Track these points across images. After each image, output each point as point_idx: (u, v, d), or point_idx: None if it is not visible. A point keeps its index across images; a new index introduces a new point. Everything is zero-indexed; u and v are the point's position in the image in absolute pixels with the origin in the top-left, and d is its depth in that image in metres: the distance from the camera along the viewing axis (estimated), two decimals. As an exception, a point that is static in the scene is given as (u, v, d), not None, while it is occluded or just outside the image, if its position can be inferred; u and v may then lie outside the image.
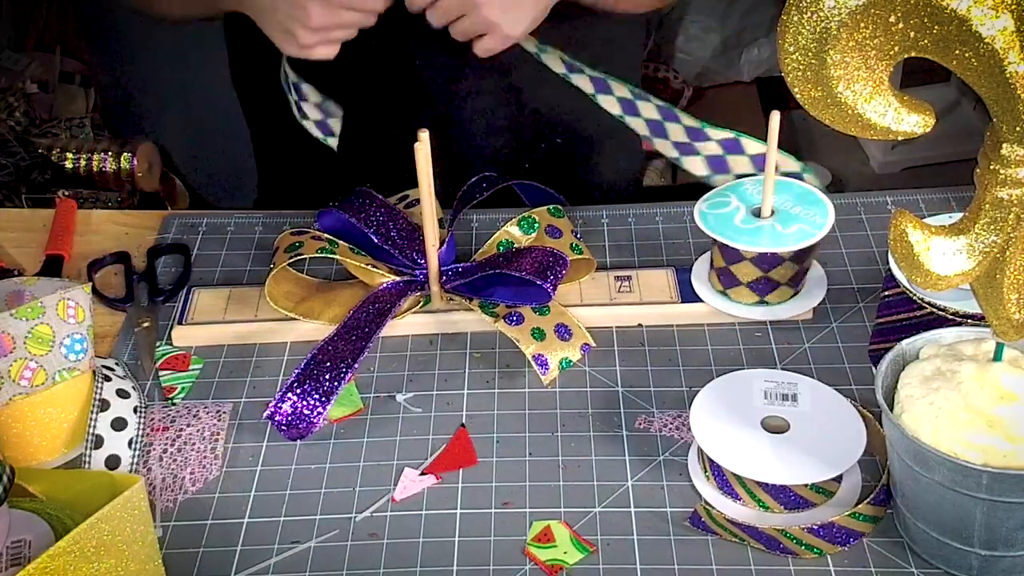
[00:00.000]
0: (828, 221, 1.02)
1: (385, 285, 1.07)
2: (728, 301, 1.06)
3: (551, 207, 1.12)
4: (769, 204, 1.03)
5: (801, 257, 1.02)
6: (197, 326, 1.08)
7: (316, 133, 1.25)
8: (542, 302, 1.02)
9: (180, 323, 1.08)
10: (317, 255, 1.06)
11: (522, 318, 1.01)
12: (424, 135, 0.99)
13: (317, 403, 0.96)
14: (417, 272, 1.08)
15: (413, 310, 1.07)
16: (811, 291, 1.07)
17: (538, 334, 1.00)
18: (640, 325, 1.07)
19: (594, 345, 1.02)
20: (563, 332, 1.01)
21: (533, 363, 0.98)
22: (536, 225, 1.10)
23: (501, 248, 1.09)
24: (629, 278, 1.10)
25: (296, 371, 0.98)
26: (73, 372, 0.92)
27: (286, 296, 1.08)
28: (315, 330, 1.06)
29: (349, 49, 1.10)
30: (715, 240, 1.04)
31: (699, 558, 0.85)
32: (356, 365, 0.98)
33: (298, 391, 0.96)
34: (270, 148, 1.45)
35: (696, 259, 1.11)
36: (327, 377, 0.97)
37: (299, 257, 1.06)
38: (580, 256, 1.08)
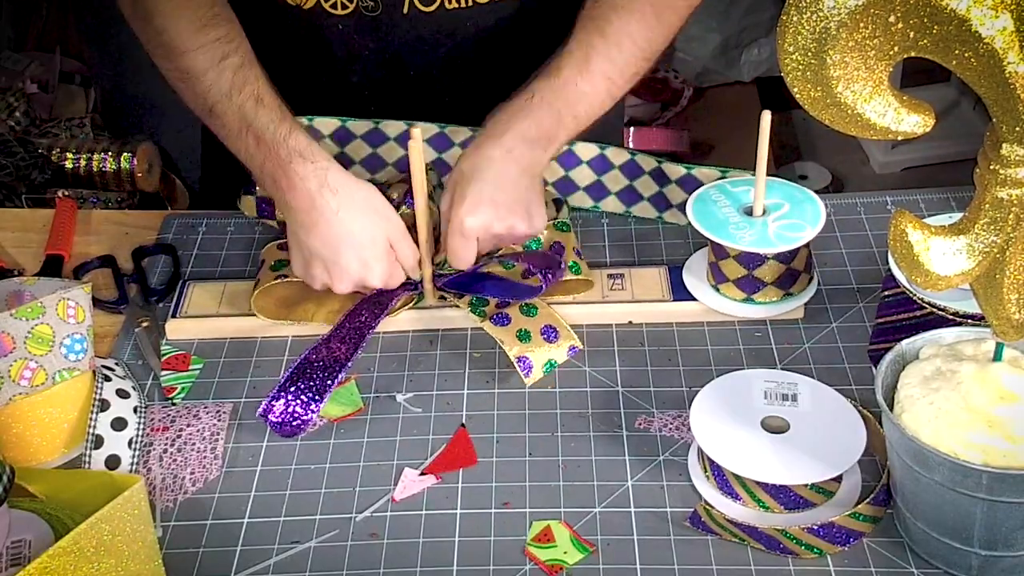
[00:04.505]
0: (816, 226, 1.02)
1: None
2: (719, 296, 1.05)
3: (558, 221, 1.11)
4: (760, 203, 1.03)
5: (787, 258, 1.02)
6: (191, 319, 1.08)
7: None
8: (532, 296, 1.02)
9: (174, 316, 1.08)
10: None
11: (509, 319, 1.01)
12: (417, 131, 0.98)
13: (310, 402, 0.96)
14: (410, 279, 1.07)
15: (407, 307, 1.07)
16: (804, 291, 1.06)
17: (523, 335, 1.00)
18: (631, 322, 1.07)
19: (580, 347, 1.02)
20: (550, 333, 1.01)
21: (516, 365, 0.98)
22: (539, 244, 1.09)
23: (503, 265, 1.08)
24: (622, 276, 1.10)
25: (289, 370, 0.98)
26: (73, 372, 0.92)
27: (277, 304, 1.07)
28: (308, 324, 1.06)
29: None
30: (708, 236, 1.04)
31: (699, 558, 0.85)
32: (349, 365, 0.98)
33: (291, 390, 0.96)
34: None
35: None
36: (320, 376, 0.97)
37: (285, 278, 1.05)
38: (578, 276, 1.07)
